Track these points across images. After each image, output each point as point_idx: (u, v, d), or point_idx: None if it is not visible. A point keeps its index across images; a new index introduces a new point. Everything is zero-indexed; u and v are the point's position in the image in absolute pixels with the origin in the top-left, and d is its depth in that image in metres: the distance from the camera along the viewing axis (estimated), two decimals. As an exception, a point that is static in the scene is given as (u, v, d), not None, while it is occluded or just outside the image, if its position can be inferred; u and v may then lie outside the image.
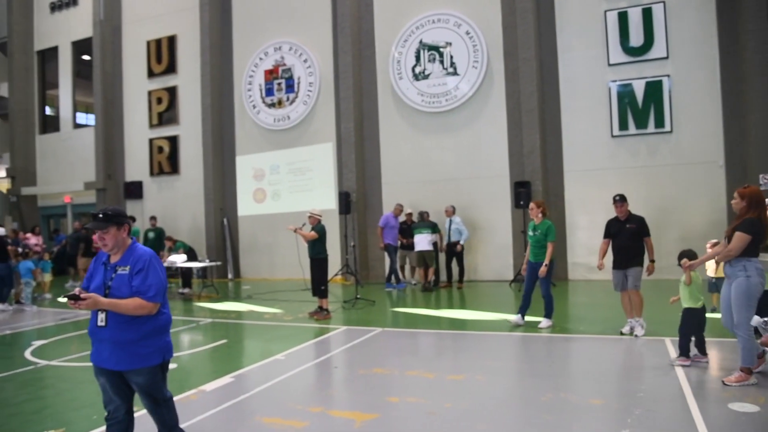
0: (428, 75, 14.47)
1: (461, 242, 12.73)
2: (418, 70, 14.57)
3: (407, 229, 13.19)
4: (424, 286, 12.58)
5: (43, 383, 6.15)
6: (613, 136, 12.93)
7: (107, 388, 3.50)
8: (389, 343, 7.76)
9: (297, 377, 6.05)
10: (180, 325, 9.47)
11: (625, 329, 7.27)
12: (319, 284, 9.67)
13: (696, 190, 12.19)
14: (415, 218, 13.39)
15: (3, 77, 21.96)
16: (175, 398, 5.28)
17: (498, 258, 13.64)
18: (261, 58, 16.72)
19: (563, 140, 13.41)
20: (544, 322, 7.95)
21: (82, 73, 20.90)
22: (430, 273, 12.64)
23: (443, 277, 13.13)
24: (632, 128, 12.74)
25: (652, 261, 7.27)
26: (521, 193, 12.67)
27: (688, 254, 6.01)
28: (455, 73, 14.19)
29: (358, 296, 11.10)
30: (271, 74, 16.58)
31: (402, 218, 13.46)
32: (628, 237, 7.21)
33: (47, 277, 13.55)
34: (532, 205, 8.31)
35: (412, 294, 12.29)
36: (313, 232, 9.55)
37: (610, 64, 12.95)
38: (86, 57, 20.43)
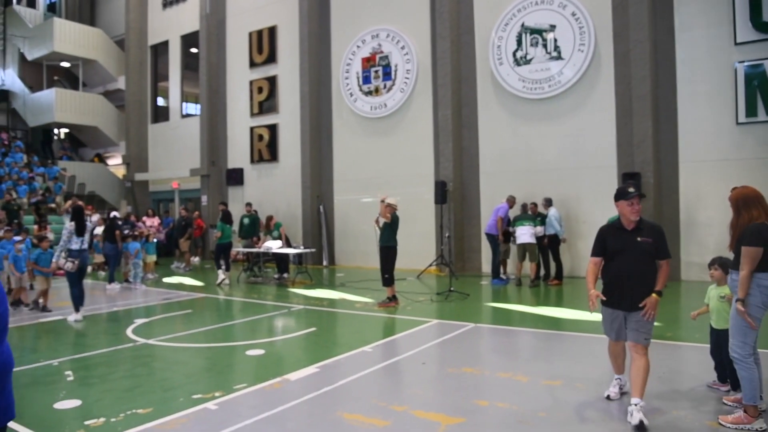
0: (530, 60, 13.76)
1: (561, 237, 12.12)
2: (519, 54, 13.90)
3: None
4: (519, 281, 12.01)
5: (139, 361, 6.32)
6: (738, 124, 11.67)
7: None
8: (482, 341, 7.38)
9: (383, 372, 5.83)
10: (272, 310, 9.58)
11: (613, 392, 4.87)
12: (384, 272, 9.79)
13: (838, 184, 10.74)
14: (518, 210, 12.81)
15: (121, 71, 23.44)
16: (259, 386, 5.30)
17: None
18: (358, 46, 16.66)
19: (679, 128, 12.29)
20: None
21: (190, 65, 21.88)
22: (532, 268, 12.03)
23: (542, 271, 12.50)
24: (762, 114, 11.42)
25: (659, 293, 4.45)
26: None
27: (722, 262, 4.99)
28: (559, 58, 13.39)
29: (452, 288, 10.75)
30: (368, 62, 16.48)
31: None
32: (638, 258, 4.46)
33: (150, 258, 14.24)
34: None
35: (509, 289, 11.76)
36: (388, 216, 9.71)
37: (736, 43, 11.66)
38: (194, 50, 21.33)
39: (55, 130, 24.70)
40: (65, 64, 24.08)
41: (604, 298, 4.58)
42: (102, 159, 24.98)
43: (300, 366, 5.91)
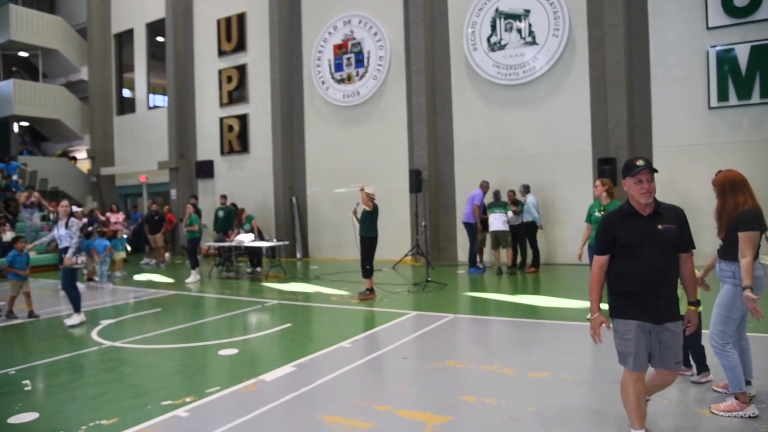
0: (505, 45, 13.58)
1: (538, 224, 12.05)
2: (493, 40, 13.70)
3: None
4: (499, 269, 11.88)
5: (104, 366, 5.98)
6: (710, 108, 11.69)
7: None
8: (463, 332, 7.21)
9: (363, 369, 5.59)
10: (245, 306, 9.25)
11: None
12: (365, 263, 9.55)
13: (810, 167, 10.81)
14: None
15: (83, 61, 22.60)
16: (233, 388, 5.03)
17: (578, 240, 12.60)
18: (330, 33, 16.28)
19: (653, 113, 12.28)
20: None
21: (156, 54, 21.20)
22: (508, 255, 11.91)
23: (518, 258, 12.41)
24: (733, 99, 11.46)
25: (695, 304, 3.59)
26: (605, 170, 11.70)
27: None
28: (534, 43, 13.23)
29: (429, 279, 10.57)
30: (340, 49, 16.13)
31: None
32: (662, 251, 3.41)
33: (119, 255, 13.76)
34: (597, 182, 7.42)
35: (486, 278, 11.63)
36: (369, 204, 9.50)
37: (708, 28, 11.66)
38: (160, 38, 20.65)
39: (15, 124, 23.73)
40: (23, 54, 23.11)
41: (608, 327, 3.54)
42: (67, 154, 24.15)
43: (276, 365, 5.64)
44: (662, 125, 12.18)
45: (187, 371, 5.70)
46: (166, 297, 10.61)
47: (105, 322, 8.23)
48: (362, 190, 9.45)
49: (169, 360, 6.18)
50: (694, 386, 4.70)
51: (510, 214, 11.88)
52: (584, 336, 6.66)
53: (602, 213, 7.16)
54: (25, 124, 23.83)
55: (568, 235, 12.89)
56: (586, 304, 7.59)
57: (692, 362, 4.84)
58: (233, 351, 6.34)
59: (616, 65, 12.23)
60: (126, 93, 22.35)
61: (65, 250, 8.12)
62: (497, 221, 11.79)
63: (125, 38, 21.80)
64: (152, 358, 6.30)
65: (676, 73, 12.01)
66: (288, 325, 7.70)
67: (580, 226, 12.67)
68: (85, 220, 14.75)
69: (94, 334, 7.42)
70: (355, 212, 9.91)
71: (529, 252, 12.25)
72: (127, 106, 22.03)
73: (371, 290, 9.58)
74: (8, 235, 13.44)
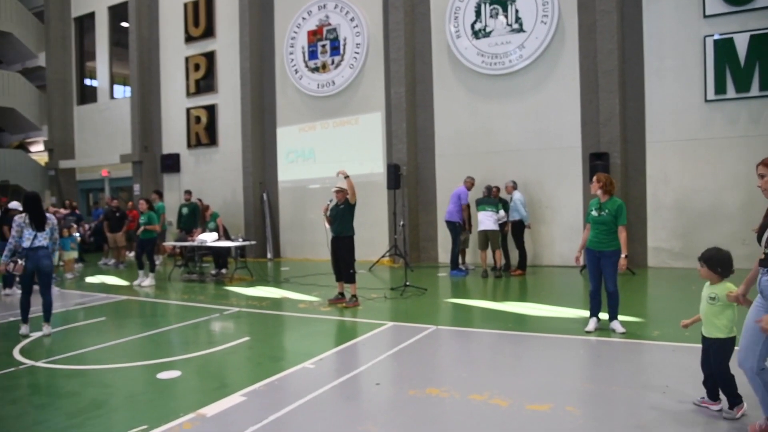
0: (490, 32, 12.71)
1: (526, 223, 11.20)
2: (478, 26, 12.83)
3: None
4: (485, 272, 11.01)
5: (12, 395, 4.93)
6: (707, 101, 10.98)
7: None
8: (445, 348, 6.29)
9: (325, 399, 4.63)
10: (202, 314, 8.23)
11: None
12: (350, 267, 8.54)
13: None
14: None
15: (41, 46, 21.29)
16: (163, 427, 4.04)
17: (567, 240, 11.95)
18: (304, 18, 15.28)
19: (646, 106, 11.55)
20: (619, 325, 6.30)
21: (120, 41, 19.97)
22: (497, 257, 11.05)
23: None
24: (731, 91, 10.77)
25: None
26: (597, 166, 10.90)
27: (720, 259, 3.94)
28: (521, 30, 12.40)
29: (408, 283, 9.64)
30: (314, 35, 15.14)
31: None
32: None
33: (68, 255, 12.61)
34: (594, 179, 6.58)
35: (470, 282, 10.76)
36: (354, 193, 8.49)
37: (706, 16, 10.95)
38: (124, 24, 19.43)
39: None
40: (-26, 37, 21.74)
41: None
42: (24, 147, 22.78)
43: (222, 394, 4.67)
44: (656, 118, 11.46)
45: (112, 402, 4.68)
46: (115, 303, 9.55)
47: (35, 335, 7.14)
48: (347, 177, 8.42)
49: (95, 386, 5.14)
50: (726, 423, 3.85)
51: (501, 213, 11.02)
52: (584, 353, 5.82)
53: (600, 212, 6.28)
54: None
55: (556, 235, 12.12)
56: (581, 312, 6.80)
57: (721, 395, 4.00)
58: (175, 373, 5.35)
59: (609, 54, 11.46)
60: (95, 83, 21.03)
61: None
62: (487, 220, 10.89)
63: (86, 23, 20.54)
64: (76, 383, 5.26)
65: (671, 64, 11.28)
66: (246, 338, 6.72)
67: (568, 226, 11.99)
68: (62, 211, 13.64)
69: (15, 351, 6.35)
70: (326, 210, 8.88)
71: (515, 253, 11.41)
72: (88, 96, 20.77)
73: (356, 297, 8.63)
74: None
